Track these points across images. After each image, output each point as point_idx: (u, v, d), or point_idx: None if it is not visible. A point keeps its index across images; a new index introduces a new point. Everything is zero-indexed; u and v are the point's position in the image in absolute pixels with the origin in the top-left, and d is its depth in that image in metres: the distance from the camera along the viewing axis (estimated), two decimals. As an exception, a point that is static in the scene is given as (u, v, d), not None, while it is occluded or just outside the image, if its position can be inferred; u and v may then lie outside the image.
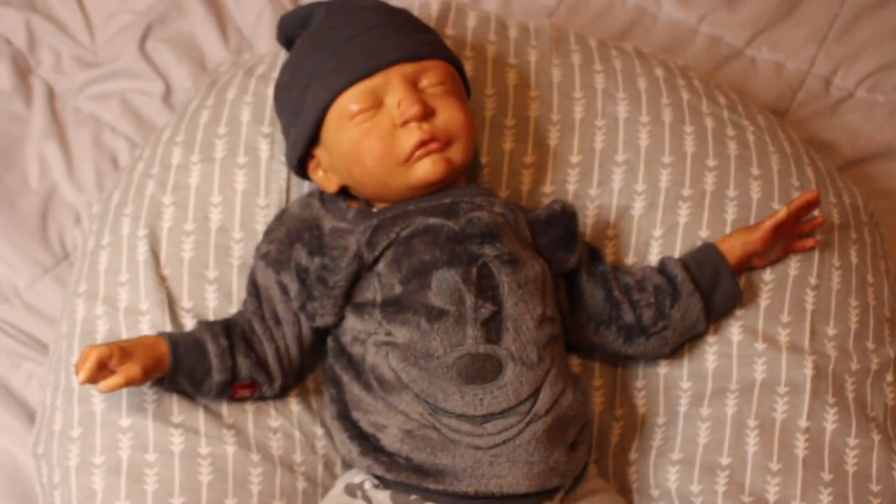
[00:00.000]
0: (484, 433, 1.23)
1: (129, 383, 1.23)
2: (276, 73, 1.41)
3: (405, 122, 1.27)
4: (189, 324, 1.35)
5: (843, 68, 1.80)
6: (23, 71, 1.74)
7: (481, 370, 1.23)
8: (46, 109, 1.71)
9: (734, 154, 1.45)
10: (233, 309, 1.37)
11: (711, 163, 1.44)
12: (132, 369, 1.23)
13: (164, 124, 1.52)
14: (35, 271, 1.60)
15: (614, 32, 1.80)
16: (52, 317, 1.55)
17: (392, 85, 1.28)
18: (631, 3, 1.84)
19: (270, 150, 1.42)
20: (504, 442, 1.23)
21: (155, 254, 1.38)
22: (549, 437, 1.24)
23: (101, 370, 1.22)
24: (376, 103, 1.29)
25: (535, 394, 1.24)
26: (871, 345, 1.40)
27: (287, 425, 1.35)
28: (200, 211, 1.40)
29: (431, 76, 1.30)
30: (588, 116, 1.46)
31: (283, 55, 1.43)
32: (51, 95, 1.73)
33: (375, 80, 1.28)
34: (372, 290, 1.27)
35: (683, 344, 1.39)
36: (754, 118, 1.50)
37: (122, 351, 1.23)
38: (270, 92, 1.42)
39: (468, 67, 1.46)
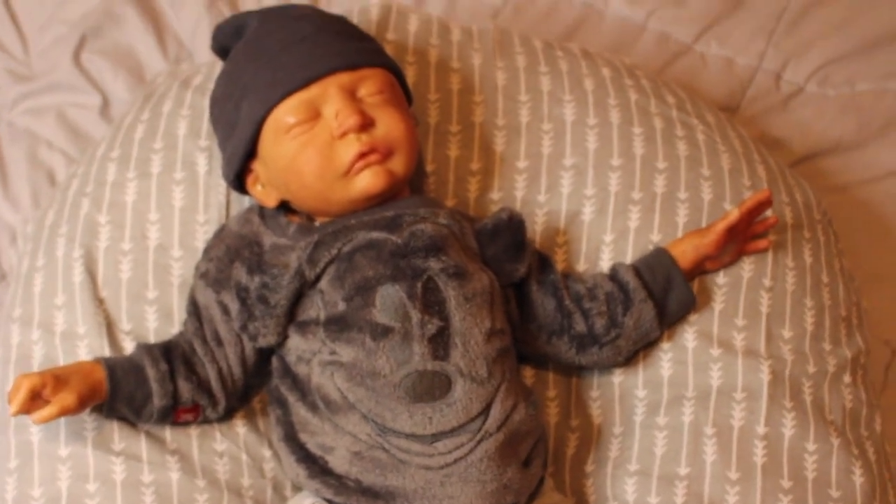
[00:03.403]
0: (434, 453, 1.19)
1: (64, 413, 1.19)
2: (213, 84, 1.37)
3: (343, 134, 1.24)
4: (129, 347, 1.31)
5: (793, 62, 1.77)
6: (-46, 86, 1.69)
7: (429, 388, 1.19)
8: (-21, 126, 1.66)
9: (684, 155, 1.42)
10: (174, 330, 1.33)
11: (661, 164, 1.41)
12: (67, 398, 1.19)
13: (100, 139, 1.47)
14: (-29, 294, 1.55)
15: (561, 31, 1.77)
16: (-11, 341, 1.50)
17: (329, 95, 1.24)
18: (578, 0, 1.80)
19: (208, 164, 1.38)
20: (455, 461, 1.19)
21: (91, 275, 1.34)
22: (501, 455, 1.20)
23: (34, 400, 1.18)
24: (313, 115, 1.25)
25: (485, 410, 1.21)
26: (827, 346, 1.38)
27: (233, 448, 1.31)
28: (138, 229, 1.36)
29: (370, 85, 1.26)
30: (534, 120, 1.43)
31: (220, 65, 1.39)
32: (-16, 111, 1.68)
33: (312, 91, 1.24)
34: (315, 308, 1.23)
35: (638, 352, 1.36)
36: (703, 117, 1.47)
37: (56, 379, 1.19)
38: (207, 104, 1.37)
39: (410, 73, 1.43)
